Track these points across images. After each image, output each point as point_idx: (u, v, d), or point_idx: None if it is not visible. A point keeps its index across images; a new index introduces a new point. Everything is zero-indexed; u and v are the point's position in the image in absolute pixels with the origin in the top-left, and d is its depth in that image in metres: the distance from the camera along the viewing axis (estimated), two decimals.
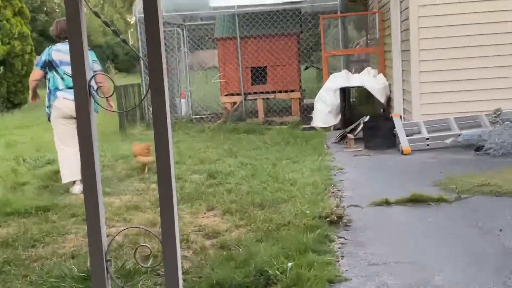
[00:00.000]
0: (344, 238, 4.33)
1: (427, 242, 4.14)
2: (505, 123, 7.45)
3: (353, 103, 10.70)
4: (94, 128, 1.53)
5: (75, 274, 3.72)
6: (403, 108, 9.01)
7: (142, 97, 11.88)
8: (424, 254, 3.91)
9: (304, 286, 3.37)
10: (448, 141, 7.61)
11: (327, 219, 4.64)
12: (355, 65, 13.73)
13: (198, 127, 11.03)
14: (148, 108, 11.70)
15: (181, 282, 1.55)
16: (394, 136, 7.89)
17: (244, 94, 11.61)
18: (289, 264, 3.66)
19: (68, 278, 3.69)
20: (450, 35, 8.09)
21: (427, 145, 7.62)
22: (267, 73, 11.62)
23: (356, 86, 10.24)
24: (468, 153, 7.19)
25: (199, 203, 5.53)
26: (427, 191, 5.40)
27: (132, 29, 33.84)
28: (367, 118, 8.60)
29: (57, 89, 6.21)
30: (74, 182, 6.20)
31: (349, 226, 4.61)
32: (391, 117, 8.45)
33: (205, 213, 5.23)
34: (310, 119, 10.68)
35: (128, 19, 36.81)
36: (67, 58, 5.97)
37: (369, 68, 10.84)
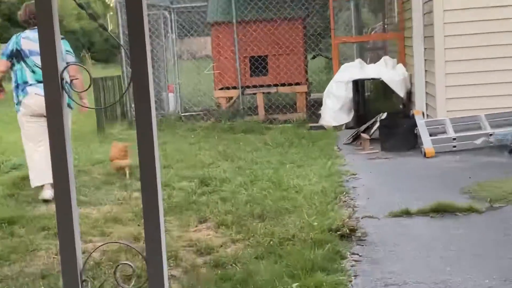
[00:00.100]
0: (357, 254, 4.32)
1: (454, 260, 4.14)
2: None
3: (368, 97, 10.70)
4: (67, 127, 1.53)
5: None
6: (426, 103, 9.02)
7: (123, 91, 11.89)
8: (450, 273, 3.91)
9: None
10: (478, 141, 7.61)
11: (338, 232, 4.64)
12: (370, 53, 13.75)
13: (188, 126, 11.03)
14: (130, 104, 11.70)
15: None
16: (416, 136, 7.89)
17: (242, 87, 11.62)
18: (294, 285, 3.65)
19: None
20: (480, 18, 8.08)
21: (454, 146, 7.62)
22: (268, 64, 11.63)
23: (372, 78, 10.24)
24: (501, 155, 7.19)
25: (190, 214, 5.52)
26: (454, 199, 5.40)
27: (111, 13, 33.84)
28: (384, 115, 8.60)
29: (26, 83, 6.21)
30: (43, 186, 6.20)
31: (364, 240, 4.61)
32: (412, 114, 8.45)
33: (196, 226, 5.23)
34: (319, 116, 10.68)
35: (107, 1, 36.85)
36: (38, 47, 5.95)
37: (386, 57, 10.85)
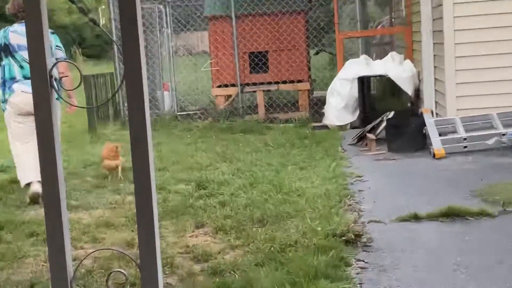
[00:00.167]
0: (363, 261, 4.32)
1: (466, 267, 4.14)
2: None
3: (374, 95, 10.70)
4: (56, 127, 1.53)
5: None
6: (435, 101, 9.02)
7: (116, 89, 11.89)
8: (462, 282, 3.90)
9: None
10: (491, 141, 7.61)
11: (343, 237, 4.64)
12: (377, 49, 13.75)
13: (185, 125, 11.03)
14: (123, 102, 11.70)
15: None
16: (424, 136, 7.89)
17: (241, 85, 11.63)
18: None
19: None
20: (492, 11, 8.08)
21: (465, 146, 7.62)
22: (268, 60, 11.64)
23: (378, 75, 10.24)
24: None
25: (186, 219, 5.53)
26: (465, 203, 5.40)
27: (103, 6, 33.85)
28: (391, 114, 8.60)
29: (13, 79, 6.22)
30: (29, 184, 6.19)
31: (370, 246, 4.61)
32: (421, 112, 8.45)
33: (193, 231, 5.23)
34: (322, 115, 10.69)
35: None
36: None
37: (393, 53, 10.86)
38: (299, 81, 11.56)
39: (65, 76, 6.40)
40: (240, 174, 7.08)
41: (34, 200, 6.13)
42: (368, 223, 5.10)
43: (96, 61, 27.35)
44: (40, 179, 5.97)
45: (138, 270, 1.54)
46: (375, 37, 14.25)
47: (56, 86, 1.54)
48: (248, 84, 11.68)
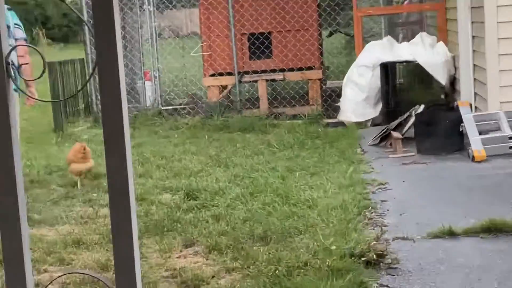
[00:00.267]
0: (387, 286, 4.32)
1: None
2: None
3: (400, 86, 10.70)
4: (15, 124, 1.53)
5: None
6: (474, 92, 9.02)
7: (87, 79, 11.89)
8: None
9: None
10: None
11: (363, 258, 4.64)
12: (403, 29, 13.75)
13: (171, 123, 11.02)
14: (95, 95, 11.71)
15: None
16: (461, 134, 7.89)
17: (239, 73, 11.62)
18: None
19: None
20: None
21: (510, 147, 7.62)
22: (272, 43, 11.63)
23: (405, 61, 10.23)
24: None
25: (173, 236, 5.52)
26: (510, 216, 5.40)
27: None
28: (420, 109, 8.60)
29: None
30: None
31: (395, 268, 4.61)
32: (456, 106, 8.44)
33: (181, 251, 5.23)
34: (337, 110, 10.69)
35: None
36: None
37: (423, 33, 10.85)
38: (309, 68, 11.55)
39: (25, 63, 6.38)
40: (238, 182, 7.08)
41: None
42: (393, 240, 5.10)
43: (62, 44, 27.38)
44: None
45: None
46: (401, 15, 14.25)
47: (13, 75, 1.54)
48: (247, 73, 11.67)
